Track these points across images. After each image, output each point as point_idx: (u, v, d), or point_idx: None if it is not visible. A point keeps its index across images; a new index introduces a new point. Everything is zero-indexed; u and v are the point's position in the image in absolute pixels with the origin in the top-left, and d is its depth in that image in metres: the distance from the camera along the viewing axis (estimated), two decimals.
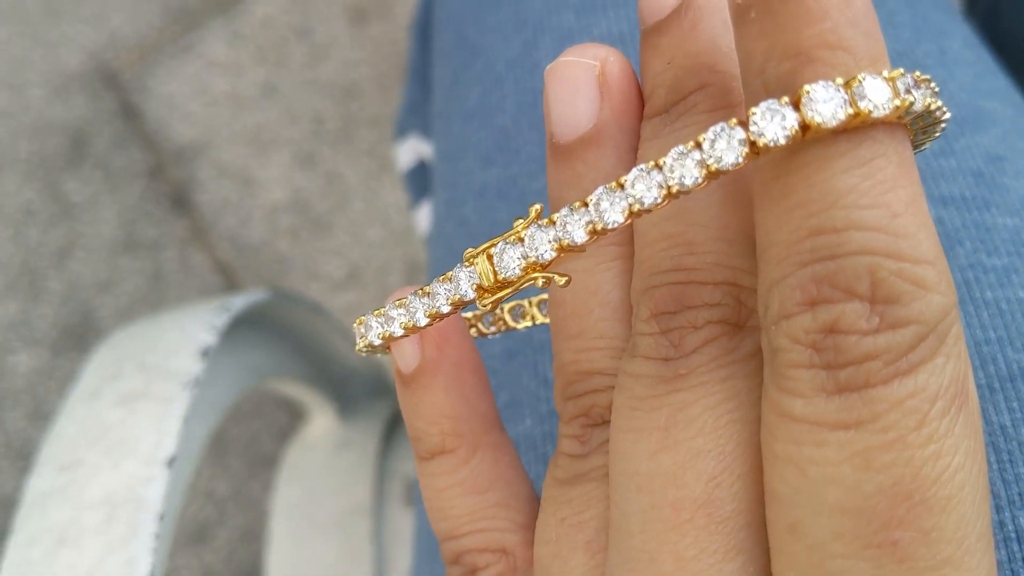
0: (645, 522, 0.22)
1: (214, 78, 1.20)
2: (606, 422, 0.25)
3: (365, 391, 0.79)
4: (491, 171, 0.41)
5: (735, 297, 0.22)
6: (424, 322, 0.24)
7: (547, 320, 0.30)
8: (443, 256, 0.43)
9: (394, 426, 0.80)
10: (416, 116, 0.60)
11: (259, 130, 1.18)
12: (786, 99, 0.19)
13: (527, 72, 0.40)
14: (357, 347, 0.26)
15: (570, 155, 0.24)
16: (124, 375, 0.45)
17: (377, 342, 0.25)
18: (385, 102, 1.16)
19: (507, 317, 0.30)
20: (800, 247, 0.20)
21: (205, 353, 0.48)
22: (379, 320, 0.25)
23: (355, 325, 0.26)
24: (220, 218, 1.15)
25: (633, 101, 0.24)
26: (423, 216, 0.62)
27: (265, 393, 1.07)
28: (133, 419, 0.43)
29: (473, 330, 0.30)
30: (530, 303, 0.30)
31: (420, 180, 0.62)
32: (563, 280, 0.23)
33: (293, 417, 1.07)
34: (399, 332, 0.25)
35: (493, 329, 0.30)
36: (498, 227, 0.39)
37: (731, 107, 0.23)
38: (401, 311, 0.25)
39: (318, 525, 0.72)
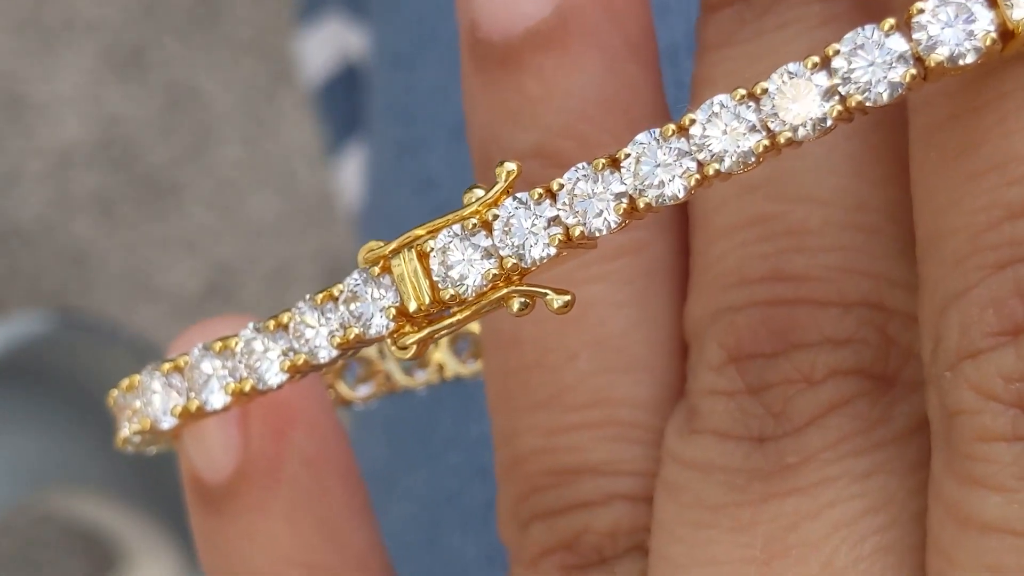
0: None
1: None
2: (605, 561, 0.22)
3: None
4: None
5: (879, 329, 0.20)
6: (276, 380, 0.21)
7: (474, 371, 0.27)
8: None
9: None
10: None
11: (39, 4, 1.03)
12: None
13: None
14: (119, 436, 0.23)
15: (514, 64, 0.21)
16: None
17: (165, 424, 0.22)
18: None
19: (391, 368, 0.28)
20: (994, 236, 0.18)
21: None
22: (172, 380, 0.22)
23: (114, 393, 0.23)
24: None
25: None
26: (352, 170, 0.52)
27: (46, 519, 0.94)
28: None
29: (330, 393, 0.27)
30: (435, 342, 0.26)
31: (347, 101, 0.53)
32: (562, 301, 0.19)
33: (96, 567, 0.94)
34: (216, 401, 0.21)
35: (364, 392, 0.27)
36: None
37: None
38: (224, 361, 0.21)
39: None
